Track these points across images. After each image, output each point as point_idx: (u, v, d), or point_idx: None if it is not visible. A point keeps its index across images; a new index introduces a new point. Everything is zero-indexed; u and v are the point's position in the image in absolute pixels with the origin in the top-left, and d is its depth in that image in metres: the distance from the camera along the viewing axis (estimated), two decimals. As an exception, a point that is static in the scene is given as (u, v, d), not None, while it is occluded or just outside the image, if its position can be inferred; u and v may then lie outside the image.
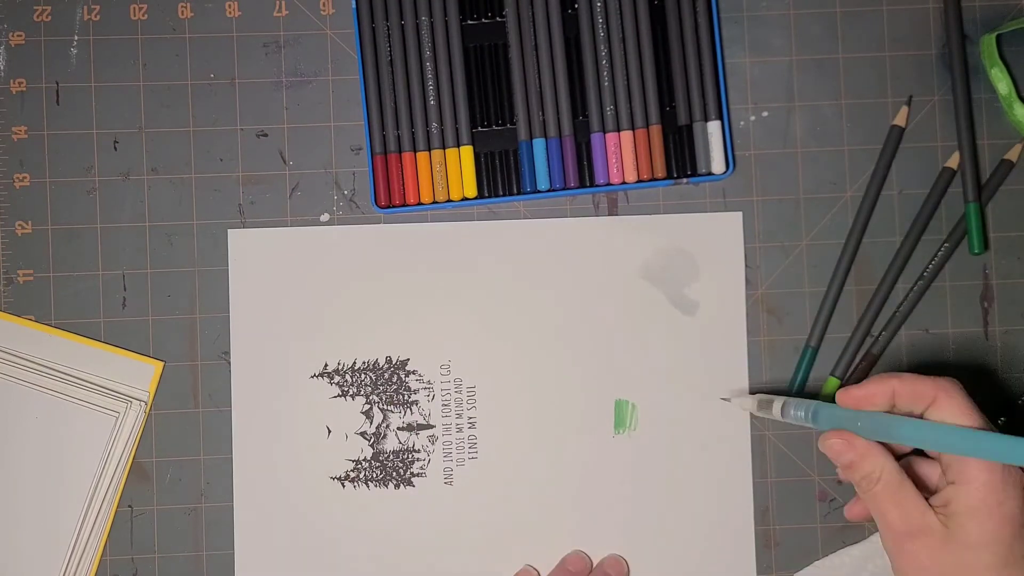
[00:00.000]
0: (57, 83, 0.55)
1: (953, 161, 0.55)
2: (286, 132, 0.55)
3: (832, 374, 0.55)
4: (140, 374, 0.54)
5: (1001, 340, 0.55)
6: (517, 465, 0.55)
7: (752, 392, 0.54)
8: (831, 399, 0.55)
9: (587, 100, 0.55)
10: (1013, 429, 0.54)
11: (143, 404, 0.54)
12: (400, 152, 0.55)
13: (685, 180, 0.55)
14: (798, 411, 0.48)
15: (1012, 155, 0.55)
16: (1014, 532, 0.41)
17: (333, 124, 0.55)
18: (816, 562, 0.54)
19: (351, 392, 0.55)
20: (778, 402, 0.49)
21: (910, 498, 0.43)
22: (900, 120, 0.55)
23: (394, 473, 0.54)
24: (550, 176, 0.54)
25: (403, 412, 0.55)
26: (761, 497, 0.55)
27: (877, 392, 0.44)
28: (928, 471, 0.46)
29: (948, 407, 0.43)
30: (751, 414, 0.54)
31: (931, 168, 0.55)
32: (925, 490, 0.44)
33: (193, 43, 0.55)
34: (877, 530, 0.53)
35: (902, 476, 0.43)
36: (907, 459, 0.47)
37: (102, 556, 0.54)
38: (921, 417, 0.44)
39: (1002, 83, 0.55)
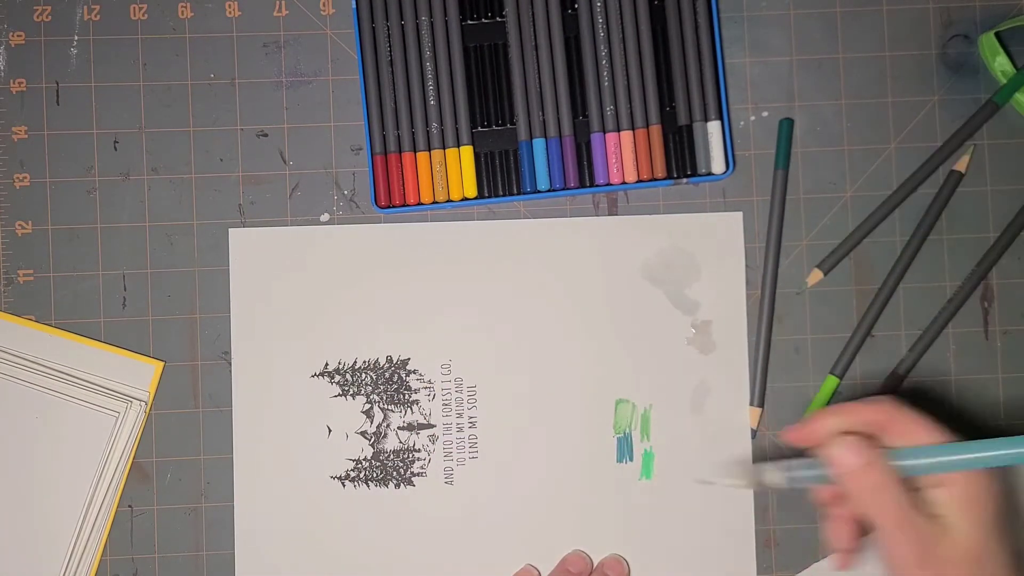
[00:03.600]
0: (57, 83, 0.55)
1: (961, 164, 0.55)
2: (286, 132, 0.55)
3: (832, 373, 0.55)
4: (140, 374, 0.54)
5: (1001, 340, 0.55)
6: (517, 465, 0.55)
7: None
8: (829, 399, 0.55)
9: (587, 100, 0.55)
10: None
11: (143, 404, 0.54)
12: (400, 152, 0.55)
13: (685, 180, 0.55)
14: (802, 470, 0.46)
15: (960, 166, 0.55)
16: (996, 511, 0.43)
17: (333, 124, 0.55)
18: (814, 564, 0.54)
19: (351, 391, 0.55)
20: (775, 469, 0.47)
21: (918, 513, 0.43)
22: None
23: (394, 472, 0.55)
24: (550, 176, 0.55)
25: (403, 411, 0.55)
26: (761, 497, 0.55)
27: (829, 427, 0.45)
28: None
29: (909, 429, 0.43)
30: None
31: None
32: None
33: (193, 43, 0.55)
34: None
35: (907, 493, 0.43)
36: None
37: (102, 556, 0.54)
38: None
39: (1007, 67, 0.55)
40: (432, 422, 0.55)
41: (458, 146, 0.55)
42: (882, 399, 0.45)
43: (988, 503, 0.42)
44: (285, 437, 0.54)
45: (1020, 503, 0.48)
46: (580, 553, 0.54)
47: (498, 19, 0.55)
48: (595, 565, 0.54)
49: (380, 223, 0.55)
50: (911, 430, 0.43)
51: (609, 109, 0.54)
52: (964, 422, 0.55)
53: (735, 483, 0.50)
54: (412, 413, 0.55)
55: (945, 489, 0.43)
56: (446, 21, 0.55)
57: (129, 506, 0.54)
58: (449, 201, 0.55)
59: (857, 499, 0.43)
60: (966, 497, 0.42)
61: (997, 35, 0.55)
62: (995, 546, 0.42)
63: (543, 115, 0.55)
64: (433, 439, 0.55)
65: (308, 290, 0.55)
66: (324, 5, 0.56)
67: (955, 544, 0.42)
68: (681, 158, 0.55)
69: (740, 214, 0.55)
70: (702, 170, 0.54)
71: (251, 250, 0.55)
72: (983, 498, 0.42)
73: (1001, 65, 0.55)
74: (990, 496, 0.42)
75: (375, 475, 0.54)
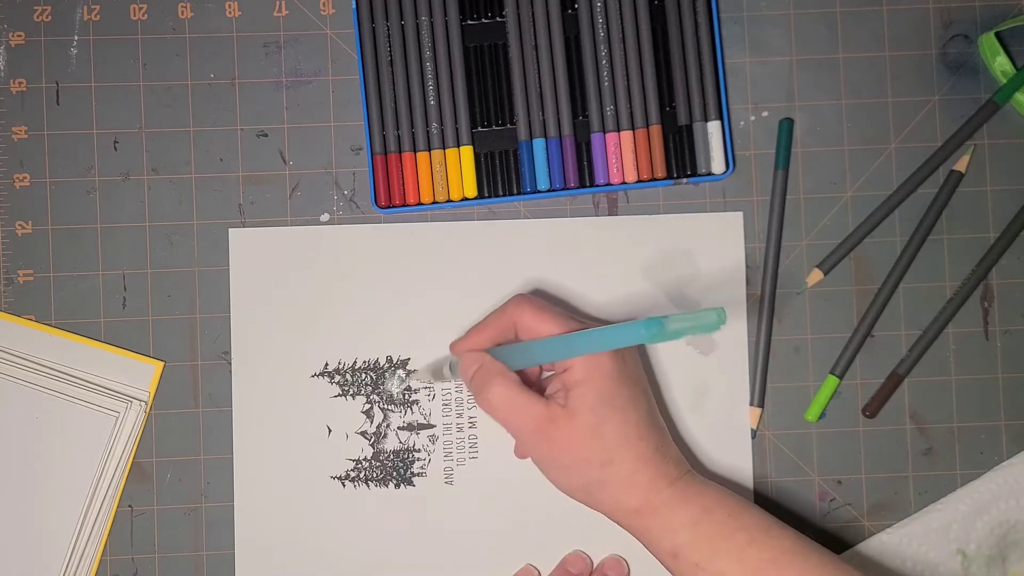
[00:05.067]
0: (57, 83, 0.55)
1: (961, 164, 0.55)
2: (286, 132, 0.55)
3: (832, 373, 0.55)
4: (140, 374, 0.54)
5: (1001, 340, 0.55)
6: (517, 464, 0.54)
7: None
8: (829, 399, 0.55)
9: (587, 100, 0.55)
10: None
11: (143, 404, 0.54)
12: (400, 152, 0.55)
13: (685, 180, 0.55)
14: (452, 369, 0.51)
15: (960, 166, 0.55)
16: (615, 381, 0.48)
17: (333, 124, 0.56)
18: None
19: (351, 391, 0.55)
20: (446, 365, 0.52)
21: (530, 395, 0.48)
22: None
23: (394, 472, 0.55)
24: (550, 176, 0.55)
25: (403, 411, 0.55)
26: (761, 497, 0.55)
27: (482, 337, 0.50)
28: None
29: (532, 321, 0.49)
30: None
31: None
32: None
33: (193, 43, 0.55)
34: (875, 534, 0.53)
35: (518, 381, 0.48)
36: None
37: (102, 556, 0.54)
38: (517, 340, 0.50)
39: (1007, 67, 0.55)
40: (432, 422, 0.55)
41: (458, 146, 0.55)
42: (511, 300, 0.50)
43: (597, 382, 0.47)
44: (285, 437, 0.54)
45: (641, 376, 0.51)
46: (580, 553, 0.54)
47: (498, 19, 0.55)
48: (595, 565, 0.54)
49: (380, 223, 0.55)
50: (534, 324, 0.49)
51: (609, 109, 0.54)
52: (964, 422, 0.55)
53: (423, 380, 0.54)
54: (412, 413, 0.55)
55: (568, 372, 0.48)
56: (446, 21, 0.55)
57: (129, 506, 0.54)
58: (449, 201, 0.55)
59: (476, 398, 0.49)
60: (580, 379, 0.47)
61: (997, 35, 0.55)
62: (606, 421, 0.47)
63: (543, 115, 0.55)
64: (433, 439, 0.55)
65: (308, 290, 0.55)
66: (324, 5, 0.56)
67: (568, 420, 0.47)
68: (681, 158, 0.55)
69: (740, 214, 0.55)
70: (702, 170, 0.54)
71: (251, 250, 0.55)
72: (593, 379, 0.47)
73: (1001, 65, 0.55)
74: (600, 376, 0.47)
75: (375, 475, 0.54)
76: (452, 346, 0.52)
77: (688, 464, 0.50)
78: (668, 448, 0.49)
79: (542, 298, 0.52)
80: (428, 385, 0.55)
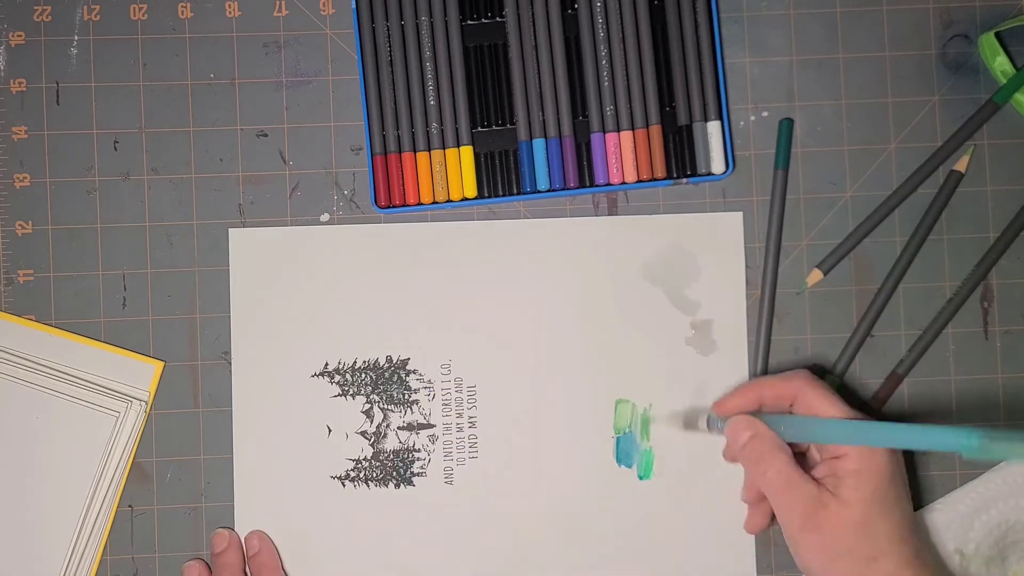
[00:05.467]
0: (57, 83, 0.55)
1: (961, 164, 0.55)
2: (286, 132, 0.55)
3: (832, 373, 0.55)
4: (140, 374, 0.54)
5: (1001, 340, 0.55)
6: (517, 464, 0.55)
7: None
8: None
9: (587, 100, 0.55)
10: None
11: (143, 404, 0.54)
12: (400, 152, 0.55)
13: (685, 180, 0.55)
14: (718, 423, 0.51)
15: (960, 166, 0.55)
16: (888, 478, 0.46)
17: (333, 124, 0.56)
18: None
19: (351, 391, 0.55)
20: (702, 417, 0.52)
21: (805, 476, 0.47)
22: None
23: (394, 472, 0.55)
24: (550, 176, 0.55)
25: (403, 411, 0.55)
26: (761, 497, 0.55)
27: (748, 399, 0.50)
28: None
29: (815, 402, 0.48)
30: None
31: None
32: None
33: (193, 43, 0.55)
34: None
35: (793, 458, 0.48)
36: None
37: (102, 556, 0.54)
38: (790, 412, 0.49)
39: (1007, 67, 0.55)
40: (432, 422, 0.55)
41: (458, 146, 0.55)
42: (796, 373, 0.49)
43: (874, 477, 0.46)
44: (285, 437, 0.54)
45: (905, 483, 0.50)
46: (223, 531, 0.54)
47: (498, 19, 0.55)
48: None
49: (380, 223, 0.55)
50: (816, 404, 0.48)
51: (609, 109, 0.54)
52: (964, 422, 0.55)
53: (676, 425, 0.54)
54: (412, 413, 0.55)
55: (840, 460, 0.47)
56: (446, 21, 0.55)
57: (129, 506, 0.54)
58: (449, 201, 0.55)
59: (746, 466, 0.49)
60: (855, 469, 0.46)
61: (997, 35, 0.55)
62: (877, 518, 0.46)
63: (543, 115, 0.55)
64: (433, 439, 0.55)
65: (308, 290, 0.55)
66: (324, 5, 0.56)
67: (840, 511, 0.46)
68: (681, 158, 0.55)
69: (740, 214, 0.55)
70: (702, 170, 0.54)
71: (251, 250, 0.55)
72: (870, 472, 0.46)
73: (1001, 65, 0.55)
74: (877, 471, 0.46)
75: (375, 475, 0.55)
76: (719, 404, 0.51)
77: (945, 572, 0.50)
78: (926, 554, 0.48)
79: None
80: (679, 430, 0.54)
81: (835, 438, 0.47)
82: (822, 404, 0.48)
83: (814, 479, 0.47)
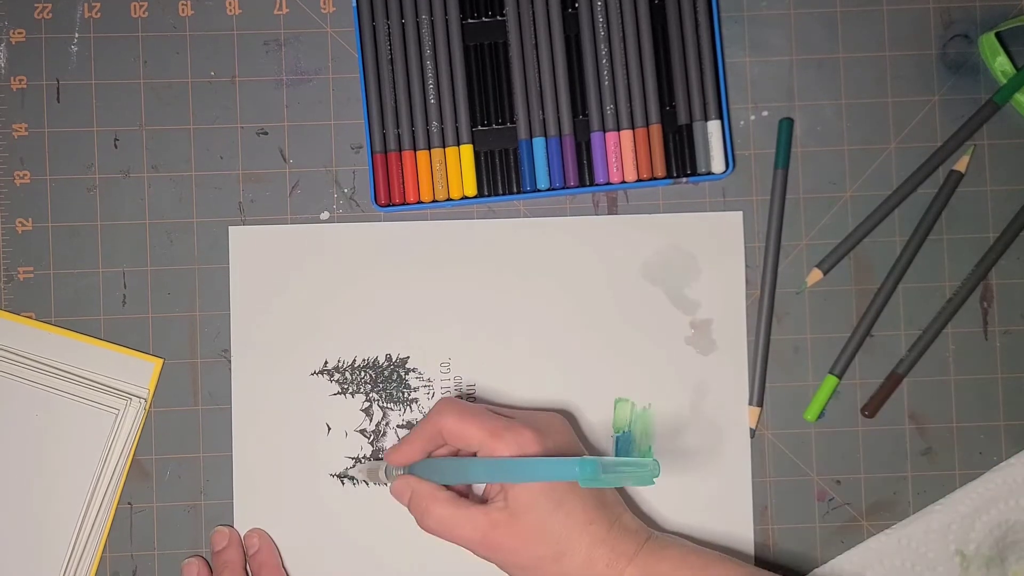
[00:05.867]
0: (58, 80, 0.55)
1: (961, 164, 0.55)
2: (286, 130, 0.55)
3: (831, 373, 0.55)
4: (140, 371, 0.54)
5: (1001, 340, 0.55)
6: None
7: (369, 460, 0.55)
8: (828, 398, 0.55)
9: (587, 99, 0.55)
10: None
11: (143, 401, 0.54)
12: (400, 151, 0.55)
13: (685, 179, 0.55)
14: (388, 474, 0.51)
15: (960, 166, 0.55)
16: (557, 502, 0.47)
17: (333, 122, 0.56)
18: (815, 570, 0.54)
19: (351, 389, 0.55)
20: (382, 468, 0.52)
21: (468, 509, 0.48)
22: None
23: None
24: (550, 175, 0.55)
25: (403, 410, 0.55)
26: (760, 497, 0.55)
27: (416, 448, 0.50)
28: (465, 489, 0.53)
29: (460, 429, 0.48)
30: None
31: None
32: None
33: (193, 41, 0.56)
34: (874, 534, 0.53)
35: (452, 497, 0.49)
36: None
37: (102, 553, 0.54)
38: (473, 454, 0.49)
39: (1007, 67, 0.55)
40: (431, 420, 0.55)
41: (458, 145, 0.55)
42: (438, 410, 0.49)
43: (540, 488, 0.47)
44: (284, 435, 0.55)
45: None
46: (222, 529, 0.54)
47: (498, 18, 0.55)
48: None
49: (380, 221, 0.55)
50: (462, 431, 0.48)
51: (609, 108, 0.54)
52: (964, 422, 0.55)
53: (360, 478, 0.54)
54: (411, 411, 0.55)
55: (513, 488, 0.47)
56: (446, 20, 0.55)
57: (129, 503, 0.54)
58: (449, 200, 0.55)
59: (418, 522, 0.49)
60: (517, 487, 0.47)
61: (997, 35, 0.55)
62: (549, 515, 0.47)
63: (543, 114, 0.55)
64: (432, 437, 0.55)
65: (308, 288, 0.55)
66: (324, 3, 0.56)
67: (511, 524, 0.47)
68: (681, 157, 0.55)
69: (740, 214, 0.55)
70: (702, 169, 0.54)
71: (251, 248, 0.55)
72: (534, 486, 0.47)
73: (1001, 65, 0.55)
74: (551, 487, 0.47)
75: (374, 473, 0.55)
76: (386, 456, 0.51)
77: (648, 530, 0.49)
78: (622, 522, 0.48)
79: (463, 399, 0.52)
80: (365, 482, 0.54)
81: (478, 477, 0.48)
82: (463, 427, 0.48)
83: (480, 504, 0.48)
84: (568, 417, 0.54)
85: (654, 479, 0.44)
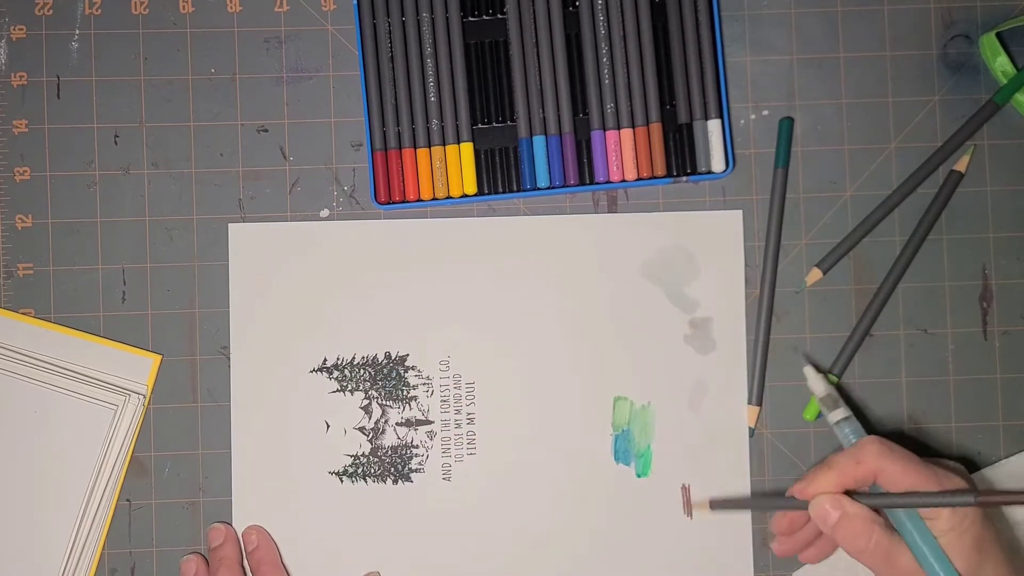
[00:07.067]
0: (58, 77, 0.55)
1: (961, 164, 0.55)
2: (287, 127, 0.55)
3: (831, 372, 0.55)
4: (139, 368, 0.54)
5: (1000, 340, 0.55)
6: (515, 461, 0.55)
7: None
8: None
9: (587, 97, 0.55)
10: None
11: (142, 398, 0.54)
12: (400, 148, 0.55)
13: (685, 178, 0.55)
14: (850, 435, 0.50)
15: (960, 166, 0.55)
16: (981, 522, 0.47)
17: (333, 120, 0.56)
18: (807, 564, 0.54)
19: (350, 387, 0.55)
20: (838, 411, 0.50)
21: (902, 547, 0.47)
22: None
23: (392, 468, 0.55)
24: (550, 173, 0.55)
25: (402, 407, 0.55)
26: (759, 496, 0.55)
27: (826, 483, 0.48)
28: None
29: (893, 476, 0.47)
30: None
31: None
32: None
33: (194, 38, 0.56)
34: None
35: (886, 526, 0.48)
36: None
37: (101, 550, 0.54)
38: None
39: (1007, 67, 0.55)
40: (430, 418, 0.55)
41: (458, 143, 0.55)
42: (865, 450, 0.47)
43: (969, 529, 0.46)
44: (283, 432, 0.55)
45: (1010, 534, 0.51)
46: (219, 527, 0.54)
47: (499, 16, 0.55)
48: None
49: (380, 219, 0.55)
50: (904, 478, 0.47)
51: (609, 107, 0.54)
52: (963, 422, 0.55)
53: (817, 390, 0.51)
54: (410, 409, 0.55)
55: (934, 521, 0.47)
56: (447, 17, 0.55)
57: (127, 500, 0.54)
58: (449, 198, 0.55)
59: (843, 544, 0.48)
60: (944, 529, 0.46)
61: (998, 35, 0.55)
62: (977, 568, 0.46)
63: (543, 112, 0.55)
64: (431, 435, 0.55)
65: (307, 286, 0.55)
66: (325, 1, 0.56)
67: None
68: (681, 156, 0.55)
69: (740, 213, 0.55)
70: (702, 168, 0.54)
71: (250, 245, 0.55)
72: (963, 527, 0.46)
73: (1002, 65, 0.55)
74: (971, 521, 0.46)
75: (373, 471, 0.55)
76: (799, 490, 0.49)
77: None
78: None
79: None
80: None
81: (913, 543, 0.47)
82: (905, 476, 0.47)
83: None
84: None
85: None
